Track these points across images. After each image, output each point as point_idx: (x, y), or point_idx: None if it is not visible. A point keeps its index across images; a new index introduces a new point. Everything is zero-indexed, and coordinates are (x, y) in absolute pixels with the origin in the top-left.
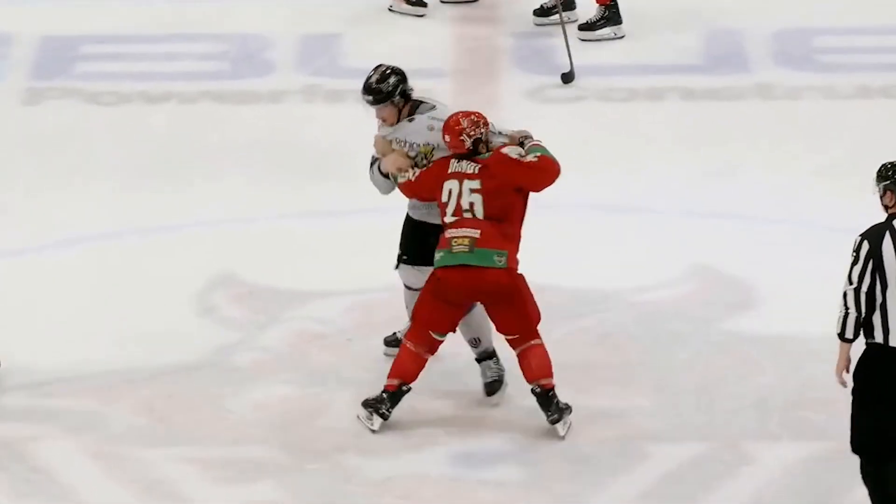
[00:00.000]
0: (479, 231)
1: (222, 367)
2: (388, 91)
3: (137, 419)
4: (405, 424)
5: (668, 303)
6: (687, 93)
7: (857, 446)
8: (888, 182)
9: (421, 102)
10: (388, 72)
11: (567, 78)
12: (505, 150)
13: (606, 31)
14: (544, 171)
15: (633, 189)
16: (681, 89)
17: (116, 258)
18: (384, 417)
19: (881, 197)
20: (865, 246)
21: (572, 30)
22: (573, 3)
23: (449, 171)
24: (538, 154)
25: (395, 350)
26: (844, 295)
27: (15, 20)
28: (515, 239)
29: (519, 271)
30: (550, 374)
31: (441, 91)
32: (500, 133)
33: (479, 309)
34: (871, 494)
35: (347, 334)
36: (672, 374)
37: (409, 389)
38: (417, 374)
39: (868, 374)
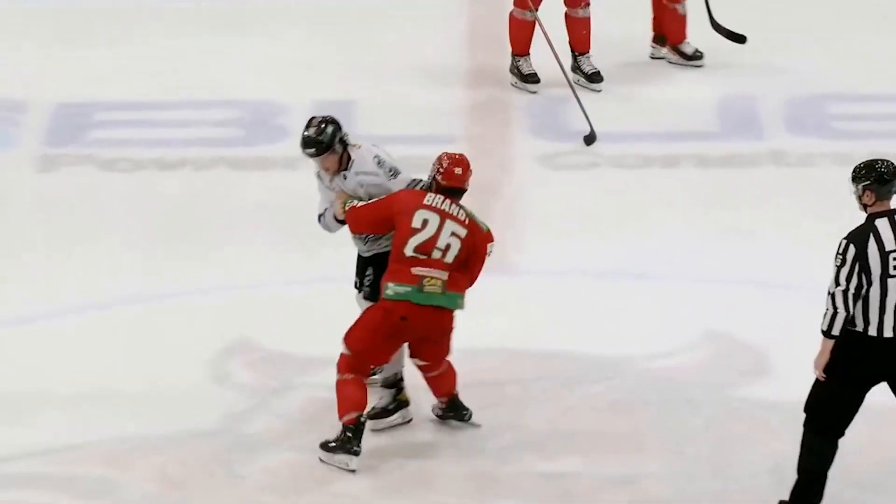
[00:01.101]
0: (447, 274)
1: (235, 432)
2: (328, 141)
3: (150, 485)
4: (414, 491)
5: (682, 369)
6: (701, 159)
7: (808, 409)
8: (868, 182)
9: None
10: (324, 123)
11: (589, 140)
12: (490, 246)
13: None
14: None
15: (646, 255)
16: (695, 156)
17: (129, 324)
18: (357, 454)
19: (860, 197)
20: (852, 249)
21: (584, 92)
22: (600, 76)
23: (425, 201)
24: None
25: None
26: (833, 296)
27: (29, 87)
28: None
29: None
30: None
31: None
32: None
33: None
34: (800, 456)
35: None
36: (686, 441)
37: (366, 420)
38: (367, 400)
39: (844, 355)
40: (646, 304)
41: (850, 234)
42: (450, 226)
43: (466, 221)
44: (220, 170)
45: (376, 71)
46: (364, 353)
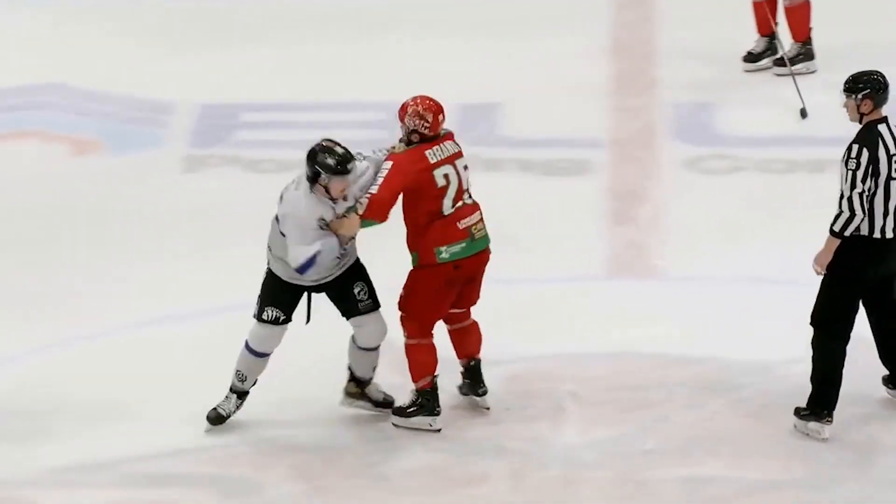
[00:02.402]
0: (479, 212)
1: (379, 433)
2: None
3: (292, 485)
4: (556, 495)
5: None
6: None
7: (815, 319)
8: (868, 90)
9: None
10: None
11: (803, 114)
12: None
13: (801, 67)
14: None
15: (791, 261)
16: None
17: None
18: (438, 414)
19: (858, 106)
20: (866, 153)
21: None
22: (812, 53)
23: (431, 160)
24: None
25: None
26: (850, 199)
27: (175, 89)
28: None
29: None
30: None
31: (598, 161)
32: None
33: None
34: (814, 363)
35: (505, 403)
36: (830, 445)
37: (436, 377)
38: (437, 362)
39: (851, 259)
40: (790, 309)
41: (859, 139)
42: (460, 163)
43: (459, 149)
44: None
45: (521, 74)
46: (431, 313)
